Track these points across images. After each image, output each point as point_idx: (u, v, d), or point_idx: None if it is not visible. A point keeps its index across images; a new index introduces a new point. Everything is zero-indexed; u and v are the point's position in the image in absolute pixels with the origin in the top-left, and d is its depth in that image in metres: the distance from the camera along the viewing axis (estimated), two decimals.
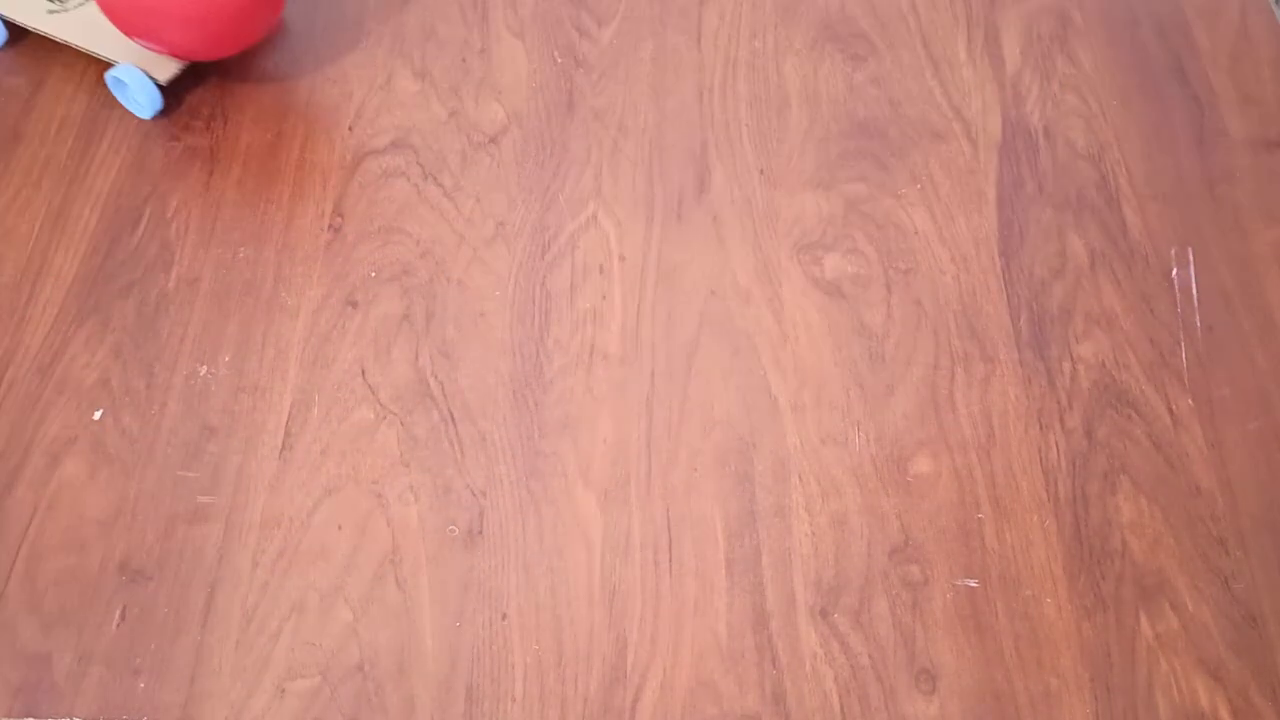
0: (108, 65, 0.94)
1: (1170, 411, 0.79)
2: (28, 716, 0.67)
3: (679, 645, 0.70)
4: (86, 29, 0.93)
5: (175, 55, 0.91)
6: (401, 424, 0.78)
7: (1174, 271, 0.86)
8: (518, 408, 0.79)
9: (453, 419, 0.78)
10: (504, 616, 0.71)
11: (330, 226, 0.87)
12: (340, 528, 0.74)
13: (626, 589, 0.72)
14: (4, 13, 0.94)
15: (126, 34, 0.89)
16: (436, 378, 0.80)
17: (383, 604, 0.71)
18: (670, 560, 0.73)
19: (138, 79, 0.90)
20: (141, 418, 0.78)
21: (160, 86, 0.91)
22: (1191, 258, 0.87)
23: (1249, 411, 0.80)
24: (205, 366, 0.80)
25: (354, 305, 0.83)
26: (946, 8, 1.01)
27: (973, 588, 0.72)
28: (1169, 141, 0.93)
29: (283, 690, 0.68)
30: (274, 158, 0.90)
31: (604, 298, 0.84)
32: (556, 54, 0.97)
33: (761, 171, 0.90)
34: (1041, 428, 0.79)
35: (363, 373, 0.80)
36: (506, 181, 0.89)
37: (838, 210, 0.89)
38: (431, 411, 0.78)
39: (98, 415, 0.78)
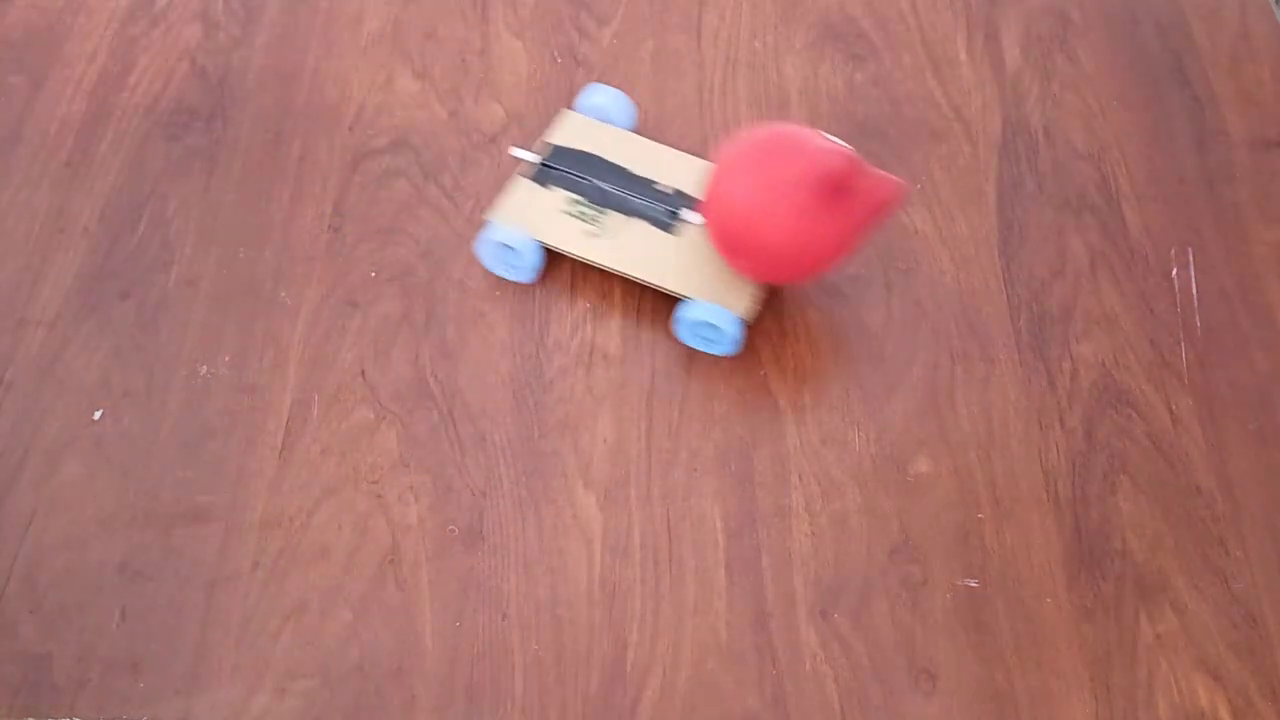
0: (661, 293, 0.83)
1: (1170, 411, 0.79)
2: (28, 716, 0.67)
3: (679, 645, 0.70)
4: (633, 252, 0.82)
5: (770, 280, 0.79)
6: (401, 424, 0.78)
7: (1174, 271, 0.86)
8: (518, 408, 0.79)
9: (453, 419, 0.78)
10: (504, 616, 0.71)
11: (330, 226, 0.87)
12: (340, 528, 0.74)
13: (626, 589, 0.72)
14: (539, 237, 0.82)
15: (729, 254, 0.77)
16: (436, 378, 0.80)
17: (383, 604, 0.71)
18: (670, 560, 0.73)
19: (725, 319, 0.78)
20: (141, 418, 0.78)
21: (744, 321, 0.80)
22: (1191, 258, 0.87)
23: (1249, 411, 0.80)
24: (205, 366, 0.80)
25: (354, 305, 0.83)
26: (946, 8, 1.01)
27: (973, 588, 0.72)
28: (1169, 141, 0.93)
29: (283, 690, 0.68)
30: (274, 158, 0.90)
31: (604, 297, 0.84)
32: (556, 54, 0.97)
33: None
34: (1041, 428, 0.79)
35: (363, 373, 0.80)
36: (507, 181, 0.89)
37: None
38: (431, 411, 0.78)
39: (98, 415, 0.78)
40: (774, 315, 0.83)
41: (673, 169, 0.86)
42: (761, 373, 0.81)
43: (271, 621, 0.70)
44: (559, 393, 0.80)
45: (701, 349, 0.80)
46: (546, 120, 0.93)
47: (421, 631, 0.70)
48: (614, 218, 0.83)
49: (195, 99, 0.94)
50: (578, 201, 0.83)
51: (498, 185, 0.89)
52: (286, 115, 0.93)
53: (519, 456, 0.77)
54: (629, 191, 0.84)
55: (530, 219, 0.83)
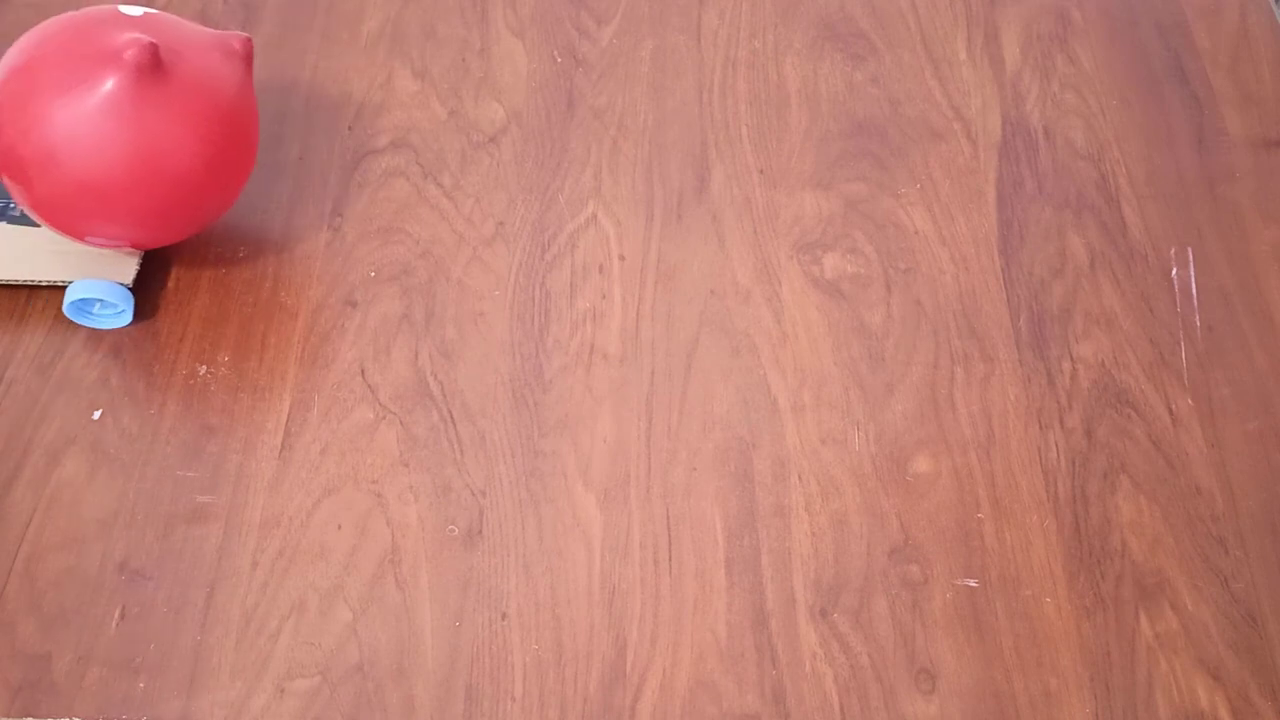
0: (37, 287, 0.81)
1: (1170, 411, 0.79)
2: (28, 716, 0.67)
3: (679, 645, 0.70)
4: (10, 257, 0.79)
5: (131, 245, 0.80)
6: (401, 424, 0.78)
7: (1174, 271, 0.86)
8: (517, 407, 0.79)
9: (452, 419, 0.78)
10: (504, 616, 0.71)
11: (330, 226, 0.87)
12: (340, 528, 0.74)
13: (626, 589, 0.72)
14: None
15: (74, 235, 0.77)
16: (436, 377, 0.80)
17: (382, 604, 0.71)
18: (670, 560, 0.73)
19: (109, 290, 0.77)
20: (141, 417, 0.78)
21: (129, 288, 0.80)
22: (1191, 258, 0.87)
23: (1249, 411, 0.80)
24: (205, 366, 0.80)
25: (354, 305, 0.83)
26: (946, 7, 1.01)
27: (973, 588, 0.72)
28: (1169, 141, 0.93)
29: (282, 690, 0.68)
30: (274, 158, 0.90)
31: (604, 297, 0.84)
32: (556, 54, 0.97)
33: (761, 171, 0.91)
34: (1041, 427, 0.79)
35: (362, 372, 0.80)
36: (506, 181, 0.89)
37: (837, 210, 0.89)
38: (431, 411, 0.78)
39: (97, 415, 0.78)
40: (773, 314, 0.83)
41: None
42: (761, 373, 0.81)
43: (271, 621, 0.70)
44: (559, 393, 0.80)
45: (112, 324, 0.79)
46: (548, 119, 0.93)
47: (421, 631, 0.70)
48: None
49: None
50: None
51: (498, 185, 0.89)
52: (286, 115, 0.93)
53: (519, 456, 0.77)
54: None
55: None
